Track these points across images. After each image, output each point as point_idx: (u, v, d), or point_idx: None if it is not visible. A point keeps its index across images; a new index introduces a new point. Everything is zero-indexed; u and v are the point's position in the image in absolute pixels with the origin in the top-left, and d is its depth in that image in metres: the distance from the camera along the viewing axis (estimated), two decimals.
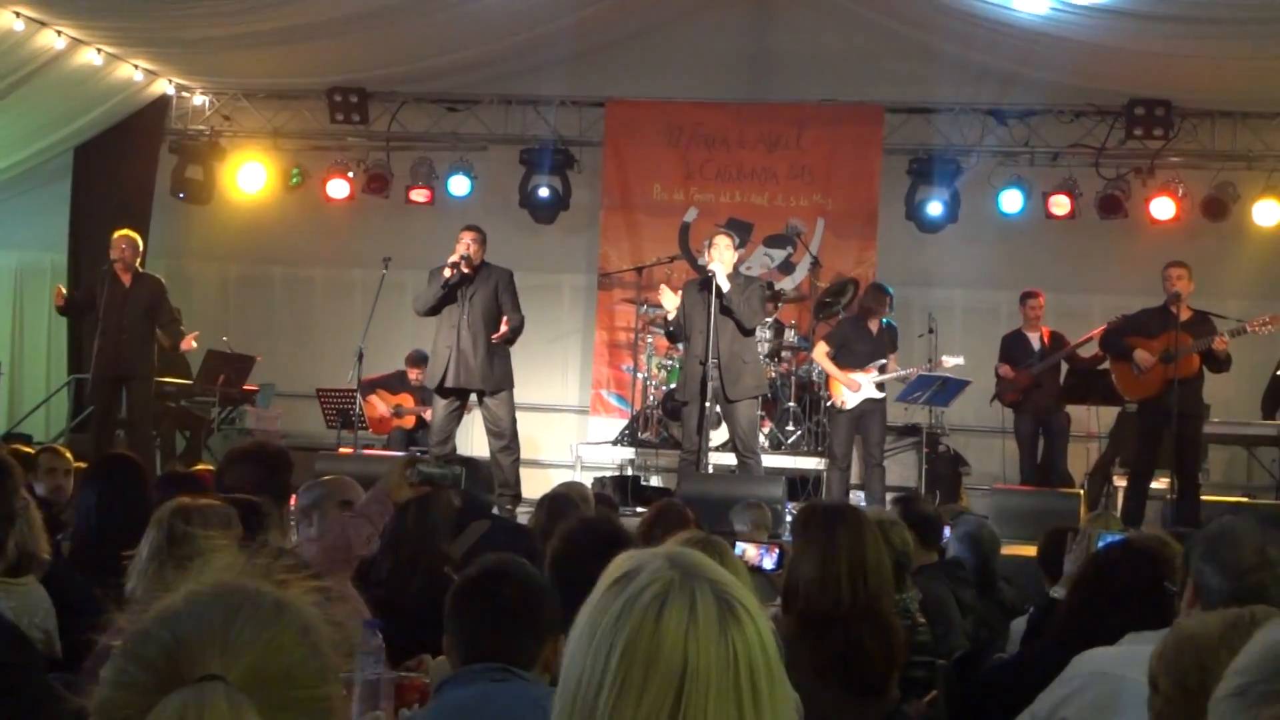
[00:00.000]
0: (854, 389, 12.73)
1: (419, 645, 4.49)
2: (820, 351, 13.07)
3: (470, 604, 3.64)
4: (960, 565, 7.44)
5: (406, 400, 14.92)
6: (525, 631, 3.57)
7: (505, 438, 12.27)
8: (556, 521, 6.27)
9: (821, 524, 4.72)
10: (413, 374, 14.86)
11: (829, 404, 13.16)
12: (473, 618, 3.61)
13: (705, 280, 11.77)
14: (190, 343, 13.13)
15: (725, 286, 11.58)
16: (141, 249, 13.08)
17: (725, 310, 11.69)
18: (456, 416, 12.45)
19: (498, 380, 12.23)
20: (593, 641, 1.83)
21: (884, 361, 12.83)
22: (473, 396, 12.37)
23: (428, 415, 14.31)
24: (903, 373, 12.97)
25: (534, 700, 3.36)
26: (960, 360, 12.97)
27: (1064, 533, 6.71)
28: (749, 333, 12.02)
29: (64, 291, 13.39)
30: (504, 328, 12.03)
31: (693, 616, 1.81)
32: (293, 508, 6.07)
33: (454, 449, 12.34)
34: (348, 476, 6.08)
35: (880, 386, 12.76)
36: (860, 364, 12.82)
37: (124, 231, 13.12)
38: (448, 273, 12.09)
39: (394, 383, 15.08)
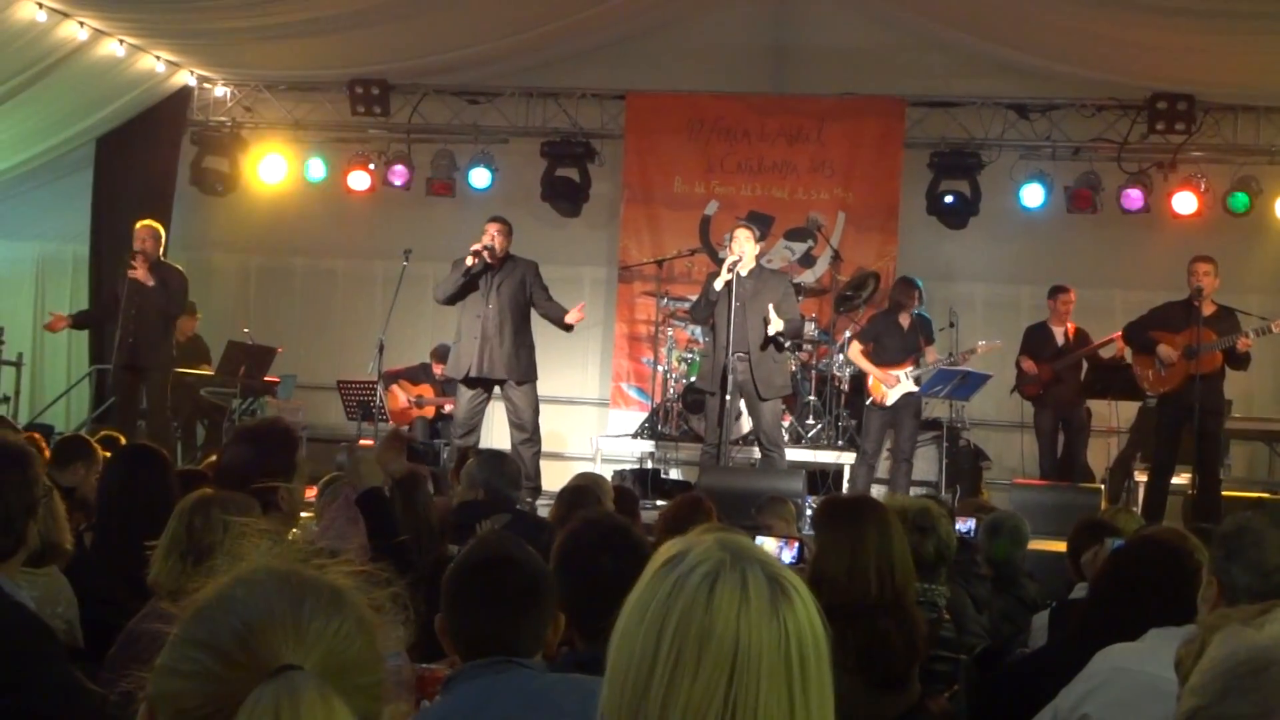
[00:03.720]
0: (891, 384, 12.72)
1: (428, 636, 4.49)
2: (855, 350, 13.08)
3: (471, 592, 3.57)
4: (974, 562, 7.42)
5: (427, 392, 14.94)
6: (528, 617, 3.53)
7: (527, 430, 12.30)
8: (576, 513, 6.28)
9: (850, 517, 4.71)
10: (438, 368, 14.88)
11: (869, 401, 13.11)
12: (474, 606, 3.54)
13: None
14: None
15: (777, 328, 11.60)
16: (164, 240, 13.13)
17: (776, 342, 11.77)
18: (481, 409, 12.47)
19: (523, 371, 12.27)
20: (643, 621, 1.83)
21: (920, 355, 12.82)
22: (496, 388, 12.40)
23: (447, 408, 14.34)
24: (940, 361, 12.87)
25: (540, 692, 3.36)
26: (998, 341, 12.99)
27: (1093, 524, 6.69)
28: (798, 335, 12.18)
29: (62, 315, 13.56)
30: (576, 313, 12.28)
31: (744, 595, 1.81)
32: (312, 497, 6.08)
33: (478, 440, 12.36)
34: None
35: (917, 380, 12.74)
36: (893, 359, 12.82)
37: (146, 222, 13.17)
38: (470, 261, 12.11)
39: (417, 374, 15.11)
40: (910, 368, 12.73)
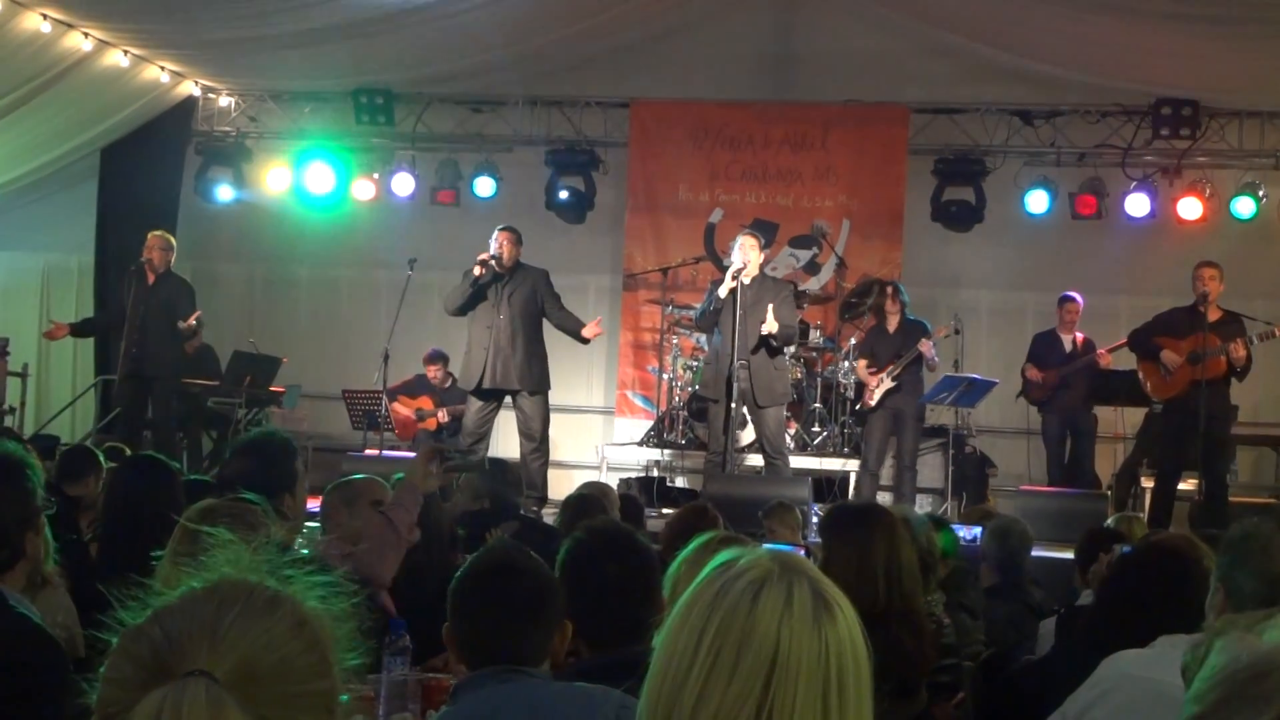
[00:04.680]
0: (874, 385, 12.78)
1: (438, 644, 4.49)
2: (860, 367, 13.18)
3: (477, 600, 3.55)
4: (964, 572, 7.40)
5: (426, 403, 14.91)
6: (536, 627, 3.52)
7: (536, 440, 12.29)
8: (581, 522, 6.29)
9: (856, 525, 4.72)
10: (431, 370, 14.87)
11: (858, 407, 13.15)
12: (480, 615, 3.52)
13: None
14: (192, 322, 12.97)
15: (771, 329, 11.62)
16: (174, 250, 13.15)
17: (770, 346, 11.77)
18: (491, 418, 12.47)
19: (536, 381, 12.27)
20: (687, 621, 1.87)
21: (902, 357, 12.79)
22: (507, 397, 12.39)
23: (442, 415, 14.34)
24: (928, 353, 12.79)
25: (546, 701, 3.35)
26: (948, 324, 13.00)
27: (1100, 532, 6.67)
28: (789, 342, 12.16)
29: (62, 324, 13.58)
30: (594, 327, 12.39)
31: (788, 606, 1.84)
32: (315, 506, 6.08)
33: (487, 449, 12.37)
34: (376, 477, 6.09)
35: (896, 379, 12.72)
36: (882, 365, 12.84)
37: (158, 232, 13.20)
38: (478, 271, 12.12)
39: (413, 387, 15.07)
40: (891, 368, 12.73)
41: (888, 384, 12.73)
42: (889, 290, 13.24)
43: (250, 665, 1.67)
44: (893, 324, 13.05)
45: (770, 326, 11.66)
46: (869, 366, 12.99)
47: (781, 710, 1.79)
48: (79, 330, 14.00)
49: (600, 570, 3.91)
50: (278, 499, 5.23)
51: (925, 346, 12.65)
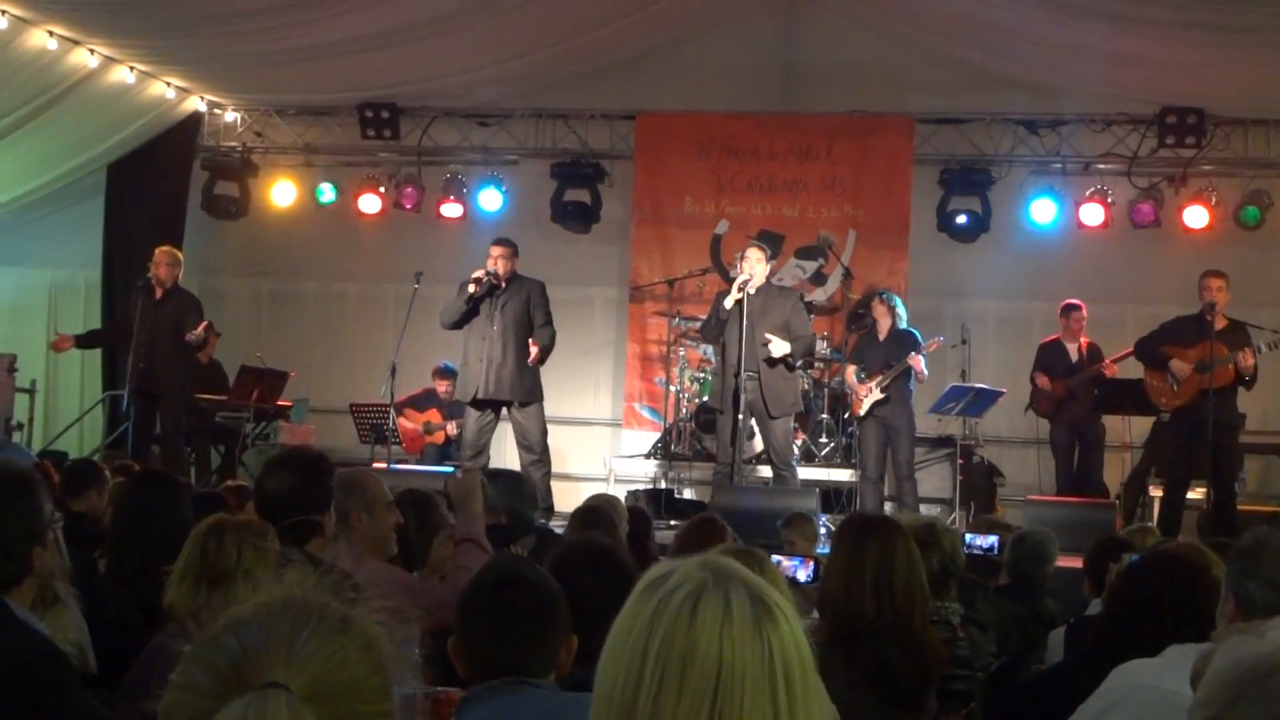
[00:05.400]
0: (862, 394, 12.76)
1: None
2: (848, 373, 13.13)
3: (484, 613, 3.58)
4: (974, 586, 7.38)
5: (434, 417, 14.91)
6: (542, 639, 3.53)
7: (535, 451, 12.30)
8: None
9: (851, 536, 4.71)
10: (440, 386, 14.88)
11: (846, 415, 13.19)
12: (487, 627, 3.54)
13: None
14: (199, 332, 12.97)
15: (782, 351, 11.64)
16: (181, 265, 13.17)
17: (788, 362, 11.80)
18: (490, 429, 12.49)
19: (528, 391, 12.27)
20: (628, 642, 1.85)
21: (893, 365, 12.74)
22: (504, 409, 12.40)
23: (451, 429, 14.34)
24: (917, 367, 12.74)
25: (553, 712, 3.35)
26: (940, 338, 12.97)
27: (1109, 541, 6.66)
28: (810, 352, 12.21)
29: (68, 335, 13.61)
30: (534, 350, 12.08)
31: (727, 615, 1.83)
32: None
33: (487, 462, 12.37)
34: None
35: (885, 390, 12.69)
36: (870, 373, 12.82)
37: (165, 248, 13.24)
38: (471, 288, 12.14)
39: (420, 400, 15.07)
40: (879, 378, 12.70)
41: (876, 395, 12.71)
42: (878, 297, 13.23)
43: (323, 682, 1.70)
44: (883, 332, 13.03)
45: (781, 349, 11.68)
46: (857, 373, 12.96)
47: (731, 718, 1.79)
48: (85, 341, 14.03)
49: (579, 583, 3.92)
50: (320, 514, 5.26)
51: (915, 361, 12.56)
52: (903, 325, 13.03)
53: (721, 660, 1.80)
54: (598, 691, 1.87)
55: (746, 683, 1.80)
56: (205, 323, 12.99)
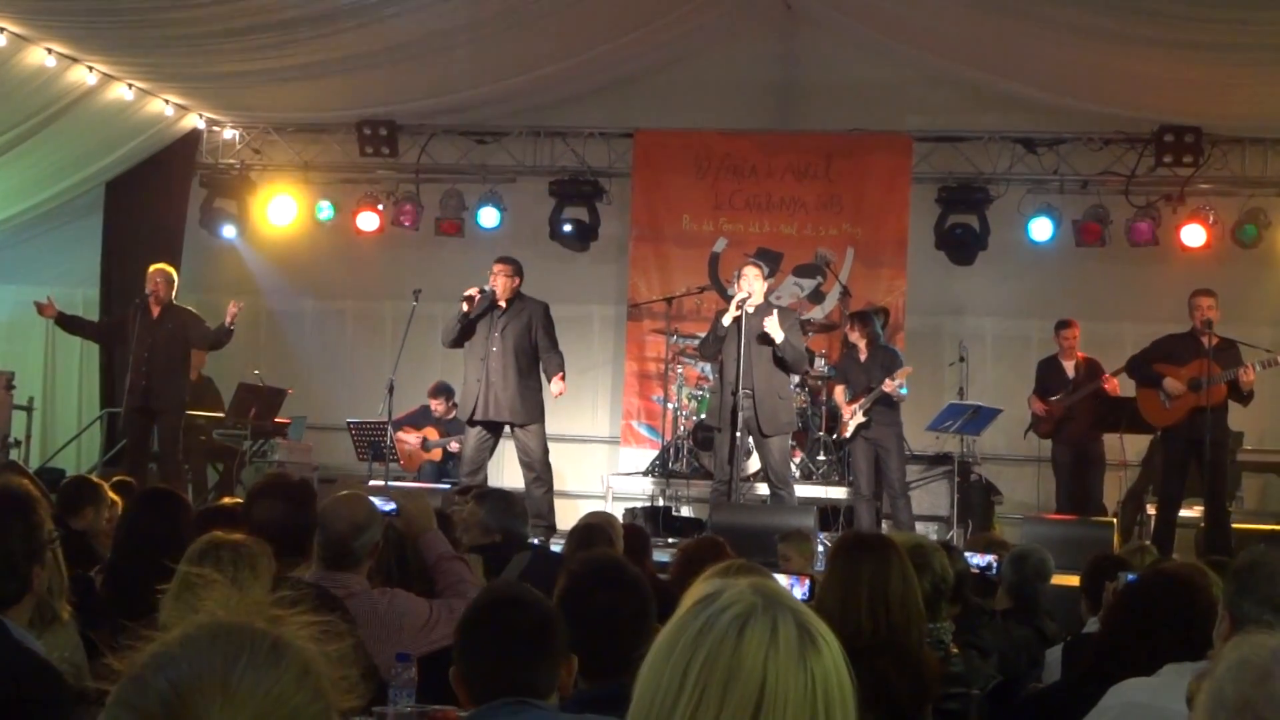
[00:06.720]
0: (848, 416, 12.79)
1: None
2: (837, 393, 13.15)
3: (484, 634, 3.57)
4: (977, 610, 7.37)
5: (431, 434, 14.90)
6: (542, 659, 3.52)
7: (536, 469, 12.29)
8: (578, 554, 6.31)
9: (846, 553, 4.71)
10: (435, 404, 14.87)
11: (835, 436, 13.25)
12: (488, 649, 3.54)
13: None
14: (233, 310, 12.99)
15: (779, 338, 11.63)
16: (176, 283, 13.16)
17: (780, 362, 11.77)
18: (489, 448, 12.48)
19: (528, 413, 12.24)
20: (671, 656, 1.85)
21: (873, 388, 12.74)
22: (506, 428, 12.39)
23: (453, 446, 14.32)
24: (891, 392, 12.73)
25: None
26: (908, 368, 12.94)
27: (1106, 559, 6.65)
28: (794, 369, 12.14)
29: (51, 300, 13.39)
30: (561, 385, 12.29)
31: (774, 640, 1.83)
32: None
33: (485, 480, 12.35)
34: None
35: (866, 414, 12.70)
36: (855, 394, 12.83)
37: (159, 266, 13.21)
38: (464, 306, 12.13)
39: (417, 419, 15.05)
40: (862, 401, 12.71)
41: (859, 417, 12.74)
42: (851, 320, 13.28)
43: (263, 718, 1.61)
44: (863, 352, 13.04)
45: (774, 329, 11.66)
46: (846, 393, 13.00)
47: None
48: (69, 324, 13.68)
49: (591, 600, 3.92)
50: (308, 539, 5.29)
51: (889, 387, 12.59)
52: (882, 342, 13.07)
53: (765, 684, 1.80)
54: (636, 699, 1.87)
55: (789, 709, 1.80)
56: (239, 303, 13.06)
